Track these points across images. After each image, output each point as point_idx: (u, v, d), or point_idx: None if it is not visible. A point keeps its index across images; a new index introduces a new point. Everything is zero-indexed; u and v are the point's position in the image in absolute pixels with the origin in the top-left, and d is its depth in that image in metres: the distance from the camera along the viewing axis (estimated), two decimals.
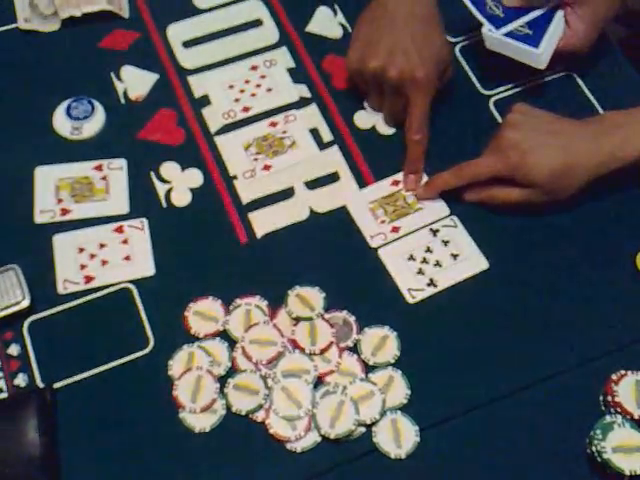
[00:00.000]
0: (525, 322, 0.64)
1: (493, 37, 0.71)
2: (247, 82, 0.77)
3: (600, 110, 0.75)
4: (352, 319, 0.64)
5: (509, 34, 0.71)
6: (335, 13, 0.82)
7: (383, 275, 0.67)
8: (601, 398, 0.61)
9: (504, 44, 0.71)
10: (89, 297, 0.65)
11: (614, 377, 0.60)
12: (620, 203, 0.70)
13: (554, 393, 0.61)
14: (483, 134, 0.71)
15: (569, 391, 0.61)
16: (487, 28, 0.71)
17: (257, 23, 0.81)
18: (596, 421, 0.58)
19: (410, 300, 0.65)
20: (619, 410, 0.59)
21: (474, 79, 0.78)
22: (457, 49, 0.79)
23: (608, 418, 0.58)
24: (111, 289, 0.66)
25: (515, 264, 0.67)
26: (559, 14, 0.71)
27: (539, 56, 0.70)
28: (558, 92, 0.77)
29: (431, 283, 0.66)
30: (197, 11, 0.82)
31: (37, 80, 0.77)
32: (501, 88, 0.77)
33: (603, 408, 0.60)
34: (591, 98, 0.76)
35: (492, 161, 0.67)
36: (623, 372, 0.60)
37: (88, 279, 0.66)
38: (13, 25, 0.81)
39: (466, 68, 0.78)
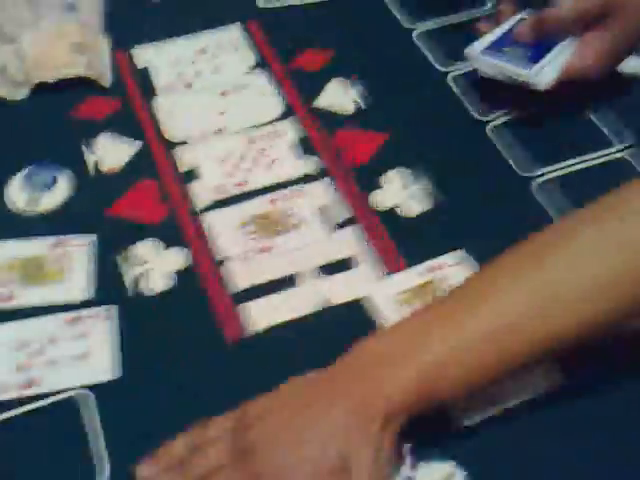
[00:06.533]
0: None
1: (482, 61, 0.68)
2: (243, 155, 0.66)
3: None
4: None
5: (498, 56, 0.67)
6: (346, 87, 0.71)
7: None
8: None
9: (494, 67, 0.68)
10: (29, 407, 0.50)
11: None
12: None
13: None
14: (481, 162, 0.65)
15: None
16: (477, 51, 0.68)
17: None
18: None
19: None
20: None
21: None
22: (450, 78, 0.73)
23: None
24: (59, 397, 0.51)
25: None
26: (567, 40, 0.68)
27: (533, 77, 0.66)
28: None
29: None
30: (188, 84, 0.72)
31: None
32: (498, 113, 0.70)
33: None
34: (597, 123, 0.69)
35: None
36: None
37: (29, 384, 0.51)
38: None
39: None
